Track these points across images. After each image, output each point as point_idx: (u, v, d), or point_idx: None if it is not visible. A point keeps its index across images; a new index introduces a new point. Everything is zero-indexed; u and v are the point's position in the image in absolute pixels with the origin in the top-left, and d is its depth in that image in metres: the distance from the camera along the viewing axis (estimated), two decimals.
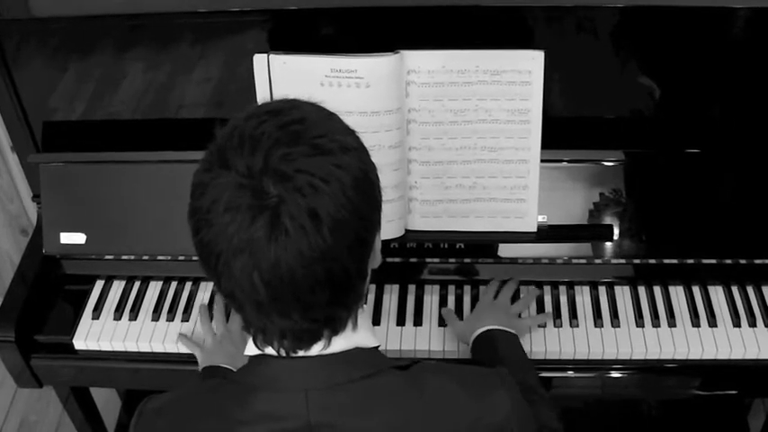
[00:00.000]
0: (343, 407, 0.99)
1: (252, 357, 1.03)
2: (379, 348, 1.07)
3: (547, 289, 1.66)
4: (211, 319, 1.63)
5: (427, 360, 1.39)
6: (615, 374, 1.58)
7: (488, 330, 1.48)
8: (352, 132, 0.97)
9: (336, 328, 0.99)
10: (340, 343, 1.00)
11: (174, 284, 1.73)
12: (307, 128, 0.92)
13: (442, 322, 1.62)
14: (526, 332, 1.56)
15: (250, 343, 1.03)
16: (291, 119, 0.93)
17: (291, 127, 0.92)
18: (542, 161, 1.55)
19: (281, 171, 0.89)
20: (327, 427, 0.98)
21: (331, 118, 0.97)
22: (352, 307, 1.00)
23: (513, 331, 1.48)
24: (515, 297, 1.63)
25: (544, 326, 1.60)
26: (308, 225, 0.88)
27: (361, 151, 0.96)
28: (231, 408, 1.01)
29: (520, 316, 1.58)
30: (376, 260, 1.03)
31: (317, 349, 1.00)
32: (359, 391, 1.00)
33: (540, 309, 1.63)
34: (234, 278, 0.91)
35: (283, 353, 1.00)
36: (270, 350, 1.00)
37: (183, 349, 1.63)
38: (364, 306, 1.05)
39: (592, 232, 1.62)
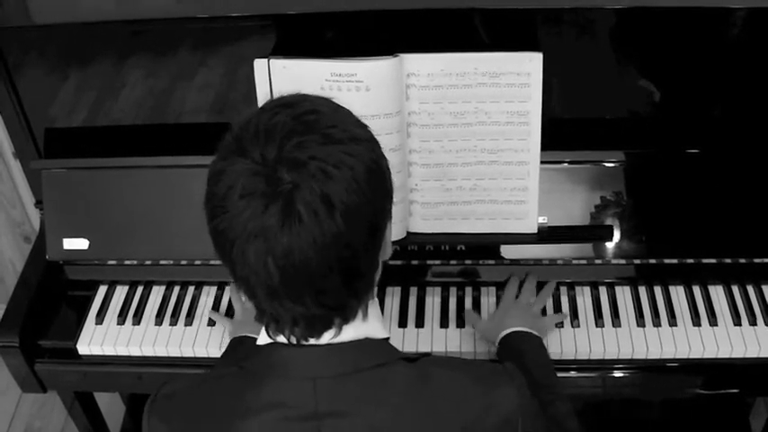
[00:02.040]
0: (350, 396, 1.00)
1: (263, 346, 1.05)
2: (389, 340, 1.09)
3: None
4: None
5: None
6: (616, 374, 1.59)
7: (513, 333, 1.49)
8: (363, 126, 1.00)
9: (347, 316, 1.01)
10: (350, 332, 1.02)
11: (176, 289, 1.73)
12: (319, 119, 0.95)
13: (444, 323, 1.62)
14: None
15: (263, 333, 1.05)
16: (304, 110, 0.96)
17: (304, 117, 0.95)
18: (542, 162, 1.55)
19: (295, 158, 0.91)
20: (335, 415, 0.99)
21: (341, 111, 1.00)
22: (362, 296, 1.01)
23: (536, 333, 1.49)
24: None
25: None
26: (321, 211, 0.90)
27: (372, 142, 0.98)
28: (241, 395, 1.02)
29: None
30: (387, 251, 1.05)
31: (327, 338, 1.01)
32: (367, 380, 1.01)
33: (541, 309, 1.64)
34: (248, 264, 0.93)
35: (294, 341, 1.01)
36: (281, 339, 1.02)
37: (187, 353, 1.64)
38: (375, 298, 1.07)
39: (592, 233, 1.63)
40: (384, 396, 1.00)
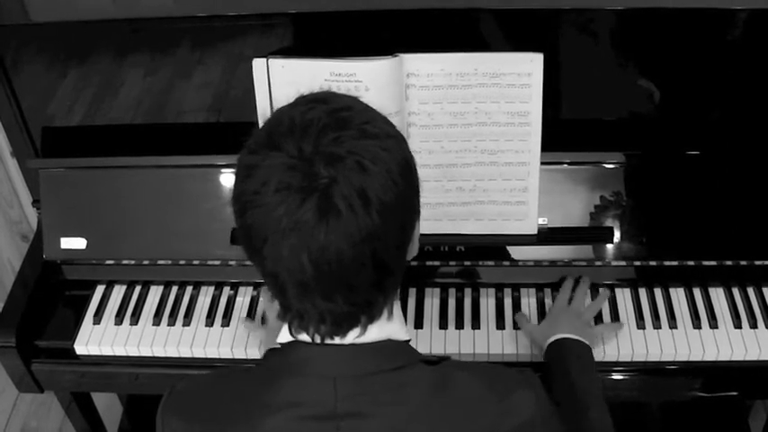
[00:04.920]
0: (370, 396, 1.00)
1: (284, 344, 1.05)
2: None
3: (547, 291, 1.66)
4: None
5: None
6: (616, 376, 1.58)
7: (562, 339, 1.47)
8: (391, 124, 1.00)
9: (373, 315, 1.01)
10: (374, 332, 1.02)
11: (174, 289, 1.73)
12: (353, 115, 0.95)
13: (442, 325, 1.62)
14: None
15: (284, 330, 1.04)
16: (339, 106, 0.96)
17: (340, 113, 0.95)
18: (542, 163, 1.55)
19: (333, 153, 0.91)
20: (353, 416, 0.99)
21: (372, 109, 1.00)
22: (389, 293, 1.01)
23: (586, 341, 1.47)
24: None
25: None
26: (358, 205, 0.90)
27: (401, 139, 0.99)
28: (259, 392, 1.02)
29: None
30: (414, 249, 1.05)
31: (351, 337, 1.01)
32: (387, 382, 1.01)
33: (542, 311, 1.63)
34: (282, 259, 0.92)
35: (318, 339, 1.01)
36: (303, 337, 1.02)
37: (185, 353, 1.63)
38: (398, 299, 1.06)
39: (592, 234, 1.62)
40: (403, 398, 1.00)
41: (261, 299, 1.68)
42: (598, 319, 1.61)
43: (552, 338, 1.48)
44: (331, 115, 0.94)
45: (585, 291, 1.62)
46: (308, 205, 0.89)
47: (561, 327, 1.50)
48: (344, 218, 0.89)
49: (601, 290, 1.65)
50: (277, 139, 0.93)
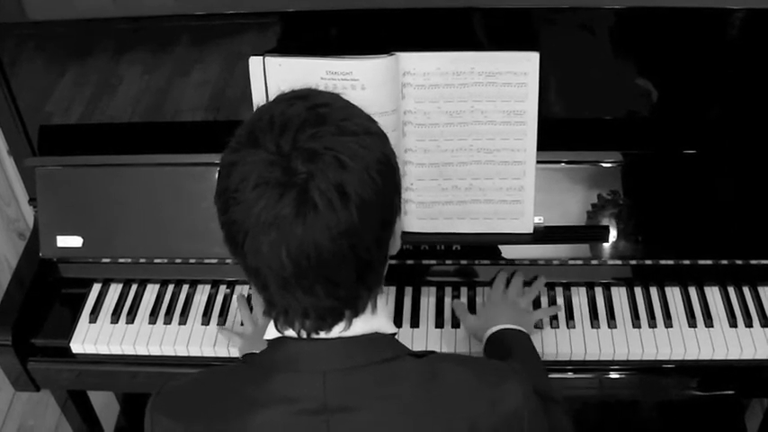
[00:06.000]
0: (360, 390, 1.00)
1: (271, 341, 1.05)
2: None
3: (543, 290, 1.66)
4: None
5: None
6: (612, 375, 1.59)
7: (501, 331, 1.47)
8: (373, 120, 1.01)
9: (357, 309, 1.01)
10: (360, 326, 1.02)
11: (170, 287, 1.73)
12: (332, 111, 0.96)
13: (439, 324, 1.62)
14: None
15: (270, 327, 1.05)
16: (318, 102, 0.97)
17: (319, 110, 0.96)
18: (539, 162, 1.55)
19: (310, 148, 0.92)
20: (344, 409, 0.99)
21: (353, 105, 1.01)
22: (372, 288, 1.02)
23: (524, 330, 1.48)
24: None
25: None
26: (336, 200, 0.91)
27: (382, 137, 1.00)
28: (249, 389, 1.02)
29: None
30: (395, 245, 1.05)
31: (337, 331, 1.01)
32: (377, 375, 1.01)
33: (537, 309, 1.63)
34: (261, 255, 0.93)
35: (304, 334, 1.01)
36: (290, 332, 1.02)
37: (181, 352, 1.63)
38: (383, 293, 1.07)
39: (588, 233, 1.62)
40: (393, 391, 1.01)
41: (236, 303, 1.67)
42: (594, 319, 1.61)
43: (491, 330, 1.47)
44: (310, 111, 0.95)
45: (520, 281, 1.62)
46: (287, 200, 0.90)
47: (499, 317, 1.50)
48: (321, 212, 0.90)
49: (539, 277, 1.64)
50: (256, 137, 0.94)
